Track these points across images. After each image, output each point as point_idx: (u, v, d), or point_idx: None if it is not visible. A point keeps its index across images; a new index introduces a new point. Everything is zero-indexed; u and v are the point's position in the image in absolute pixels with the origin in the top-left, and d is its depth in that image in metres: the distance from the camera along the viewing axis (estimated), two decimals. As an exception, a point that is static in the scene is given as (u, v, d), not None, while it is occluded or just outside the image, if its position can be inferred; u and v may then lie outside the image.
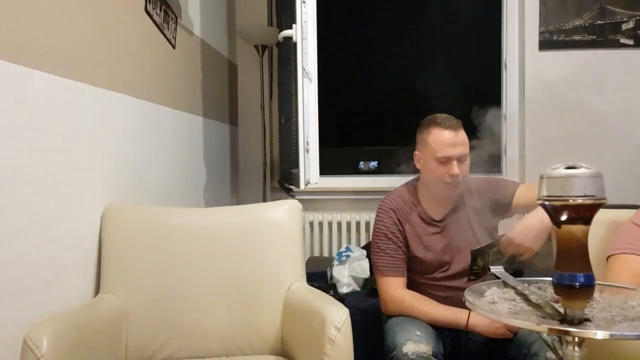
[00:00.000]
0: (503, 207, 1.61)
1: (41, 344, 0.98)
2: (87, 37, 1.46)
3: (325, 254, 2.93)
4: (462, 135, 1.54)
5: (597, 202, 0.72)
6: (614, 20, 2.69)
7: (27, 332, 1.00)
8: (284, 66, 2.03)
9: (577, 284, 0.73)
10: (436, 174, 1.53)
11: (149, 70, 1.88)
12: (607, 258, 1.33)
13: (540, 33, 2.74)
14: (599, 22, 2.70)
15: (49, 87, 1.30)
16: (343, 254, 2.32)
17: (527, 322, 0.75)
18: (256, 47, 2.79)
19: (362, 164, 3.24)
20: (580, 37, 2.73)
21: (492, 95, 2.90)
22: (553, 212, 0.75)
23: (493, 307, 0.86)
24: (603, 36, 2.71)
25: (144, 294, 1.46)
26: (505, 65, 2.89)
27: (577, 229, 0.74)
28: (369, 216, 2.86)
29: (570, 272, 0.73)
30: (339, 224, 2.91)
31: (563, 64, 2.73)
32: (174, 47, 2.09)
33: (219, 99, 2.78)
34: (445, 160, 1.51)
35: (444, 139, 1.51)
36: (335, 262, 2.29)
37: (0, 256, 1.12)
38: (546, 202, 0.75)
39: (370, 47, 3.10)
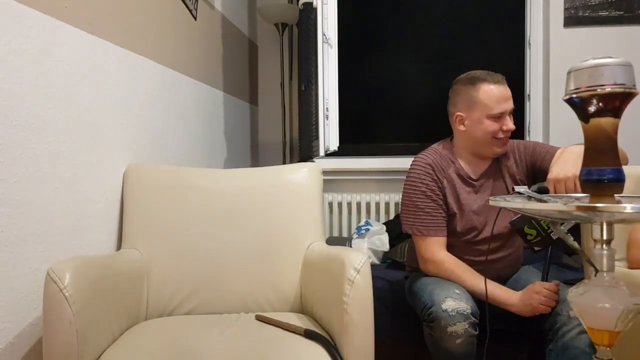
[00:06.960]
0: (540, 171, 1.52)
1: (64, 277, 0.99)
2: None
3: (345, 234, 2.91)
4: (508, 88, 1.50)
5: (628, 90, 0.69)
6: (642, -5, 2.62)
7: (50, 265, 1.01)
8: (305, 32, 2.03)
9: (606, 178, 0.70)
10: (490, 130, 1.48)
11: (171, 37, 1.90)
12: None
13: (566, 9, 2.68)
14: (627, -4, 2.64)
15: (73, 40, 1.32)
16: (362, 227, 2.31)
17: (556, 203, 0.72)
18: (276, 25, 2.80)
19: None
20: (607, 12, 2.66)
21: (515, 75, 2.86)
22: (581, 105, 0.72)
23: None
24: (630, 11, 2.64)
25: (165, 250, 1.47)
26: (529, 43, 2.84)
27: (605, 121, 0.71)
28: (389, 197, 2.84)
29: (599, 166, 0.70)
30: (359, 205, 2.88)
31: (589, 41, 2.67)
32: (195, 18, 2.11)
33: (239, 76, 2.79)
34: (500, 116, 1.48)
35: (497, 95, 1.47)
36: (355, 236, 2.28)
37: (26, 199, 1.15)
38: (574, 96, 0.72)
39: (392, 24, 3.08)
